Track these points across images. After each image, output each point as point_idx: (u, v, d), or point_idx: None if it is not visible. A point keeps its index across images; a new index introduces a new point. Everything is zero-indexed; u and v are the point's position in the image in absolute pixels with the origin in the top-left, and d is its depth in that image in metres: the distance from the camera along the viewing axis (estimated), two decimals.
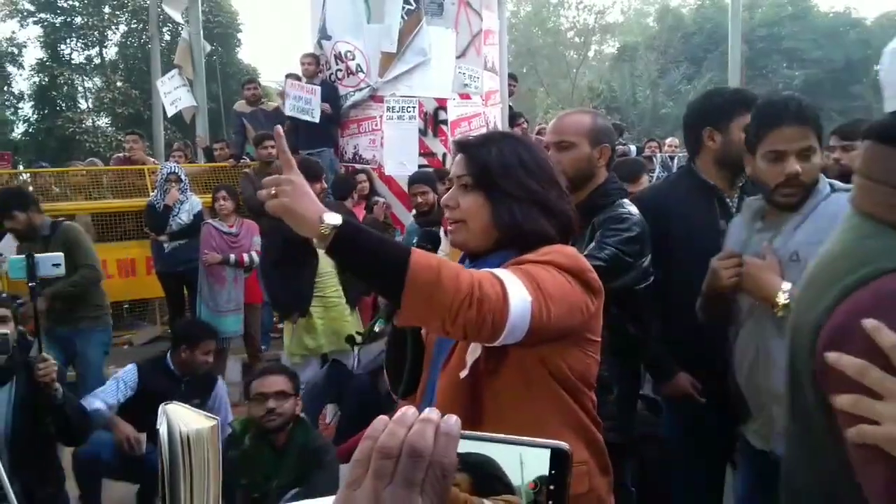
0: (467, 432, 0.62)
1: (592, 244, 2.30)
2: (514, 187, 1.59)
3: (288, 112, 7.49)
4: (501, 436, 0.63)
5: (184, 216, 6.46)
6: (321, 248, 1.38)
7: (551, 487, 0.61)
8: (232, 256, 5.96)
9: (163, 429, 1.47)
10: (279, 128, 1.52)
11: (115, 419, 3.83)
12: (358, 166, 7.41)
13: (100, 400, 3.86)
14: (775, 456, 2.09)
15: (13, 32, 24.33)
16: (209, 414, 1.56)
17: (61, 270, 3.48)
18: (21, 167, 12.68)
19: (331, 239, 1.36)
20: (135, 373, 4.02)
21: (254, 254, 6.05)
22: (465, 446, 0.62)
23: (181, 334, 4.20)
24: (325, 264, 5.14)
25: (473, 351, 1.55)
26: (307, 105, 7.34)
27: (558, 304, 1.44)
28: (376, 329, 1.73)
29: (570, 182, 2.22)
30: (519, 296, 1.39)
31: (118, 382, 3.98)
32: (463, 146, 1.67)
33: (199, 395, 3.95)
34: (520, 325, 1.39)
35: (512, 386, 1.53)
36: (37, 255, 3.41)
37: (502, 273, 1.43)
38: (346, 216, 1.41)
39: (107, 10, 23.63)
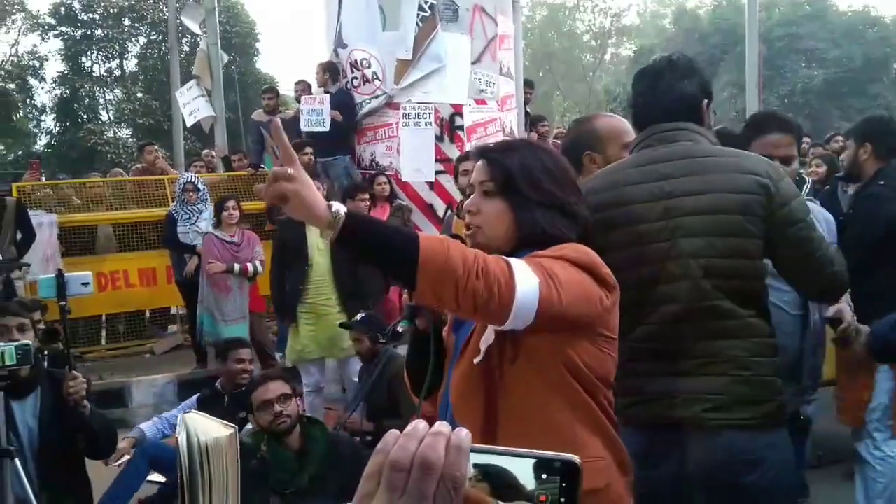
0: (478, 446, 0.63)
1: None
2: (536, 192, 1.61)
3: (304, 128, 7.53)
4: (512, 449, 0.63)
5: (202, 224, 6.47)
6: (328, 237, 1.39)
7: (562, 500, 0.61)
8: (236, 266, 5.89)
9: (181, 438, 1.48)
10: (277, 119, 1.51)
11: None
12: (375, 173, 7.43)
13: (156, 428, 4.20)
14: None
15: (34, 46, 24.70)
16: (227, 422, 1.57)
17: (90, 289, 3.48)
18: (43, 179, 12.83)
19: (340, 226, 1.37)
20: (194, 401, 4.25)
21: (258, 263, 6.01)
22: (476, 459, 0.62)
23: (215, 350, 4.34)
24: (320, 272, 5.18)
25: (487, 338, 1.56)
26: (319, 116, 7.35)
27: (568, 289, 1.46)
28: (399, 329, 1.74)
29: None
30: (525, 277, 1.42)
31: (181, 409, 4.23)
32: (484, 152, 1.69)
33: (245, 408, 3.65)
34: (528, 304, 1.42)
35: (525, 376, 1.54)
36: (66, 273, 3.41)
37: (508, 258, 1.46)
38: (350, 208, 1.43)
39: (126, 22, 23.86)
